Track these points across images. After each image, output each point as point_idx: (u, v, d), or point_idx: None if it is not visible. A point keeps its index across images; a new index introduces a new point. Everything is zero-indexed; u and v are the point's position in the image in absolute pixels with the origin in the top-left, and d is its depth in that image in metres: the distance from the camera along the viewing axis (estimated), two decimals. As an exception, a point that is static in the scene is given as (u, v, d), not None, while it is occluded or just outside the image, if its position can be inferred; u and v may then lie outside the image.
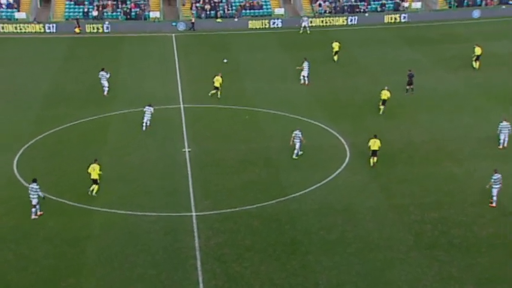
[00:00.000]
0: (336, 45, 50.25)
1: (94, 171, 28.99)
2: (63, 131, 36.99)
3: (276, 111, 39.85)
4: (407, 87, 42.01)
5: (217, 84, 41.70)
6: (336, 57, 49.99)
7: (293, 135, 32.78)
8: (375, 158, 31.55)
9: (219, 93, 41.68)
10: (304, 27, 60.68)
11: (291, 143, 32.78)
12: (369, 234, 25.98)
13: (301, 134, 32.73)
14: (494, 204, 27.69)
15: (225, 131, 37.06)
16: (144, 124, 36.88)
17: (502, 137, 33.49)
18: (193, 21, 62.53)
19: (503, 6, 63.84)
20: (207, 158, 33.43)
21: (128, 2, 64.68)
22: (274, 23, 63.45)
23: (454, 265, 23.85)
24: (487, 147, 33.57)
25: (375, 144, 31.34)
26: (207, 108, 40.88)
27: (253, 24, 63.47)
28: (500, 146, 33.50)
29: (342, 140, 35.06)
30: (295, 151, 32.73)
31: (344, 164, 32.28)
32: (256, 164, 32.62)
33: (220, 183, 30.59)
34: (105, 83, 42.94)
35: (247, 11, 65.41)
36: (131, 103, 41.00)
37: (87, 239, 25.88)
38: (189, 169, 32.02)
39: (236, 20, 63.95)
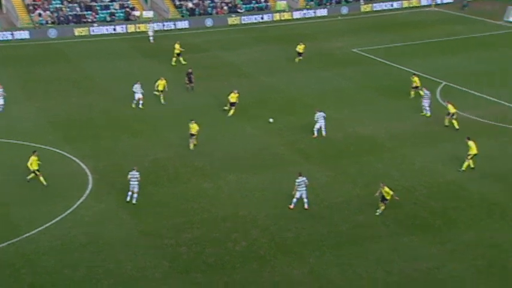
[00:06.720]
0: None
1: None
2: None
3: (-2, 139, 37.81)
4: (188, 85, 45.52)
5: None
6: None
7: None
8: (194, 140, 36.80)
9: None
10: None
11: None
12: (121, 266, 26.01)
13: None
14: (292, 206, 30.21)
15: None
16: None
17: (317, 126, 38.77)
18: None
19: (233, 15, 69.69)
20: None
21: None
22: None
23: (212, 285, 25.06)
24: (238, 159, 35.86)
25: (193, 128, 36.44)
26: None
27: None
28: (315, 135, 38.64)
29: (82, 165, 34.59)
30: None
31: (87, 192, 31.87)
32: (-21, 202, 30.57)
33: None
34: None
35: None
36: None
37: None
38: None
39: None
